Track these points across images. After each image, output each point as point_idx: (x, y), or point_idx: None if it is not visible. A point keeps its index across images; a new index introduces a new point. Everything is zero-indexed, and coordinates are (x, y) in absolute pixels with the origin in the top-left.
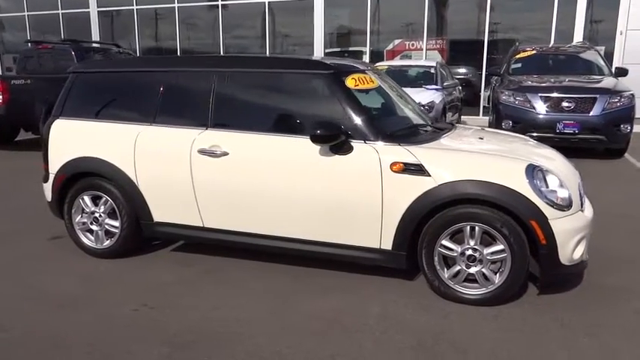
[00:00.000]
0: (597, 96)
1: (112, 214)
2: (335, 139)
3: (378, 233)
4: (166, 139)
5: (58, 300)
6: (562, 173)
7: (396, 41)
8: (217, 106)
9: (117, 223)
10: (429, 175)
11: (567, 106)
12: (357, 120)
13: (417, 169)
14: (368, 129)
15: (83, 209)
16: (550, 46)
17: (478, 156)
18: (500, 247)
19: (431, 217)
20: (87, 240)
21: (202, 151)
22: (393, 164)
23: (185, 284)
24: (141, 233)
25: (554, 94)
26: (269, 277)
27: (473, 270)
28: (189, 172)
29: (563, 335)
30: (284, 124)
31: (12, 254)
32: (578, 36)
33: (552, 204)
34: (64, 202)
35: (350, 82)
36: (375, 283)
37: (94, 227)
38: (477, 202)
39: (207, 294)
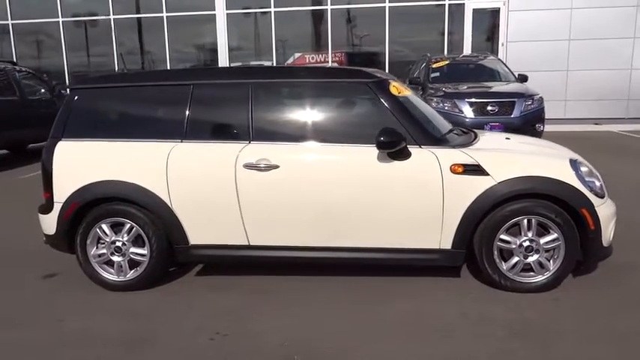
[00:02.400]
0: (515, 100)
1: (135, 242)
2: (398, 145)
3: (438, 234)
4: (205, 156)
5: (115, 340)
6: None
7: (296, 55)
8: (257, 118)
9: (144, 251)
10: (488, 175)
11: (492, 110)
12: (411, 126)
13: (476, 170)
14: (422, 134)
15: (99, 239)
16: (459, 56)
17: (526, 154)
18: (555, 235)
19: (488, 214)
20: (106, 273)
21: (249, 166)
22: (452, 166)
23: (241, 307)
24: (169, 260)
25: (480, 100)
26: (320, 289)
27: (530, 260)
28: (234, 188)
29: (624, 307)
30: (333, 134)
31: (12, 300)
32: (467, 47)
33: (594, 192)
34: (74, 234)
35: (393, 89)
36: (428, 284)
37: (116, 258)
38: (533, 196)
39: (273, 314)
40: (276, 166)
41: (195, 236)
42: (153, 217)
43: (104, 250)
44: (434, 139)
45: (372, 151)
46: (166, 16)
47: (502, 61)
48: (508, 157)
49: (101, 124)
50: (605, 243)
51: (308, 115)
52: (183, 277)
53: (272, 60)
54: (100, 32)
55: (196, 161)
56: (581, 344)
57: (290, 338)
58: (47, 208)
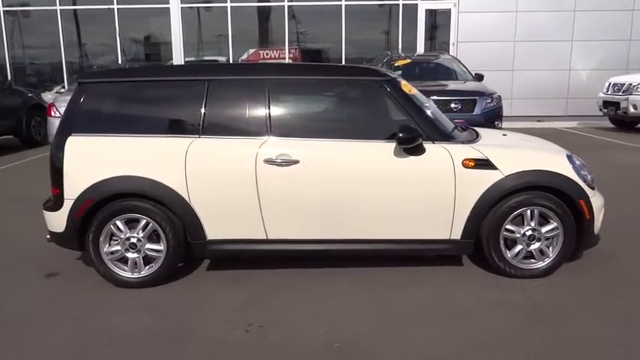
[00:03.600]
0: (477, 98)
1: (149, 238)
2: (416, 141)
3: (449, 225)
4: (225, 151)
5: (149, 336)
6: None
7: (250, 51)
8: (275, 114)
9: (160, 247)
10: (496, 169)
11: (455, 107)
12: (424, 122)
13: (486, 164)
14: (435, 130)
15: (113, 236)
16: (414, 55)
17: (528, 149)
18: (554, 225)
19: (494, 206)
20: (120, 270)
21: (269, 161)
22: (464, 161)
23: (263, 300)
24: (183, 256)
25: (444, 97)
26: (334, 281)
27: (532, 248)
28: (254, 183)
29: (617, 289)
30: (348, 130)
31: (20, 299)
32: (420, 46)
33: (587, 184)
34: (85, 231)
35: (404, 87)
36: (435, 273)
37: (131, 255)
38: (535, 188)
39: (296, 305)
40: (296, 161)
41: (213, 231)
42: (170, 212)
43: (118, 247)
44: (444, 135)
45: (388, 146)
46: (117, 9)
47: (459, 60)
48: (514, 152)
49: (114, 119)
50: (596, 231)
51: (323, 111)
52: (194, 273)
53: (228, 55)
54: (45, 23)
55: (216, 157)
56: (591, 324)
57: (323, 327)
58: (56, 204)
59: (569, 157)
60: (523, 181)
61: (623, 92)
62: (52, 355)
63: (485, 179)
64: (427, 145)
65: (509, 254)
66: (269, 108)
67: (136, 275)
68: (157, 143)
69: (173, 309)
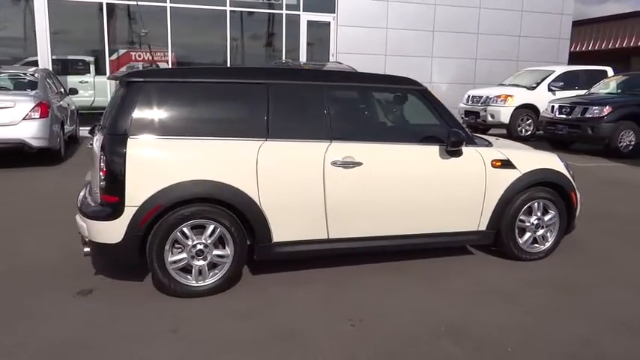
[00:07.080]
0: None
1: (214, 244)
2: (462, 145)
3: (478, 218)
4: (295, 154)
5: (261, 339)
6: None
7: (121, 51)
8: (333, 118)
9: (225, 252)
10: (515, 168)
11: None
12: (458, 127)
13: (508, 164)
14: (467, 134)
15: (176, 243)
16: (299, 61)
17: (531, 152)
18: (553, 214)
19: (512, 199)
20: (183, 280)
21: (335, 163)
22: (493, 162)
23: (341, 297)
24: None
25: None
26: (384, 275)
27: (537, 234)
28: (322, 184)
29: (602, 262)
30: (399, 134)
31: (77, 323)
32: (303, 56)
33: (573, 179)
34: (146, 241)
35: (435, 96)
36: (462, 262)
37: (197, 262)
38: (540, 184)
39: (375, 299)
40: (360, 164)
41: (280, 233)
42: (240, 216)
43: (183, 255)
44: (470, 139)
45: (433, 149)
46: None
47: (353, 69)
48: (524, 154)
49: (174, 120)
50: (575, 218)
51: (372, 116)
52: (243, 279)
53: (104, 55)
54: None
55: (287, 159)
56: (611, 289)
57: (415, 316)
58: (113, 213)
59: (559, 157)
60: (535, 178)
61: (481, 103)
62: None
63: (508, 177)
64: (463, 148)
65: (521, 241)
66: (328, 112)
67: (201, 283)
68: (227, 146)
69: (258, 313)
